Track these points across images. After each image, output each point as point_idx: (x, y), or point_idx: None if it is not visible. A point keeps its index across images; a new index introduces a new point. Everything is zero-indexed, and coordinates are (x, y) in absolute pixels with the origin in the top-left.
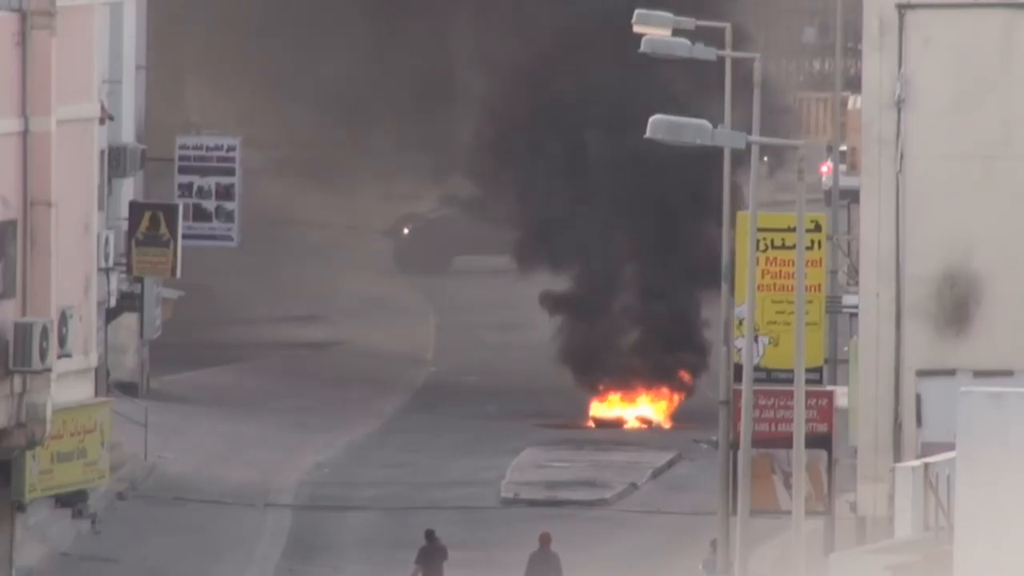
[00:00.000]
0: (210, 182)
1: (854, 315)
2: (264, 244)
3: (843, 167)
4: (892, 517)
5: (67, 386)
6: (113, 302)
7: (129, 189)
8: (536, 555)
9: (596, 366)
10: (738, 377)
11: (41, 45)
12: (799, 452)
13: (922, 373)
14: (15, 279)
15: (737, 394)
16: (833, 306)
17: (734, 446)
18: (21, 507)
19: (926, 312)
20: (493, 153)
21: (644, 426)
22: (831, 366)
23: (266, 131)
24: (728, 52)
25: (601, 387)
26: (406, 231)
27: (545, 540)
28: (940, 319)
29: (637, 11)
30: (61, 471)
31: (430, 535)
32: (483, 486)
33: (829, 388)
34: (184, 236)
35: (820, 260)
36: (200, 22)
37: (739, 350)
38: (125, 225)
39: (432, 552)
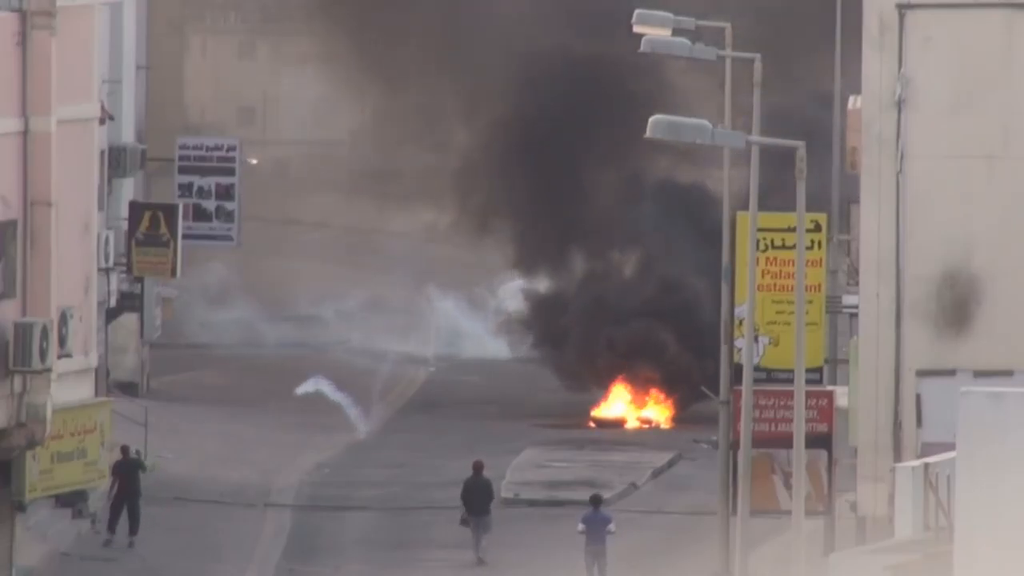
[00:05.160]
0: (210, 182)
1: (854, 315)
2: (264, 243)
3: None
4: (892, 517)
5: (67, 386)
6: (113, 302)
7: (129, 189)
8: (471, 480)
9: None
10: (738, 377)
11: (41, 45)
12: (799, 452)
13: (922, 373)
14: (15, 279)
15: (737, 394)
16: (833, 306)
17: (734, 446)
18: (21, 507)
19: (926, 312)
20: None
21: (644, 426)
22: (831, 366)
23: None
24: (728, 52)
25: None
26: None
27: (478, 467)
28: (940, 319)
29: (637, 11)
30: (61, 471)
31: (125, 450)
32: None
33: (829, 388)
34: (184, 236)
35: (820, 260)
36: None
37: (739, 350)
38: (125, 225)
39: (128, 464)
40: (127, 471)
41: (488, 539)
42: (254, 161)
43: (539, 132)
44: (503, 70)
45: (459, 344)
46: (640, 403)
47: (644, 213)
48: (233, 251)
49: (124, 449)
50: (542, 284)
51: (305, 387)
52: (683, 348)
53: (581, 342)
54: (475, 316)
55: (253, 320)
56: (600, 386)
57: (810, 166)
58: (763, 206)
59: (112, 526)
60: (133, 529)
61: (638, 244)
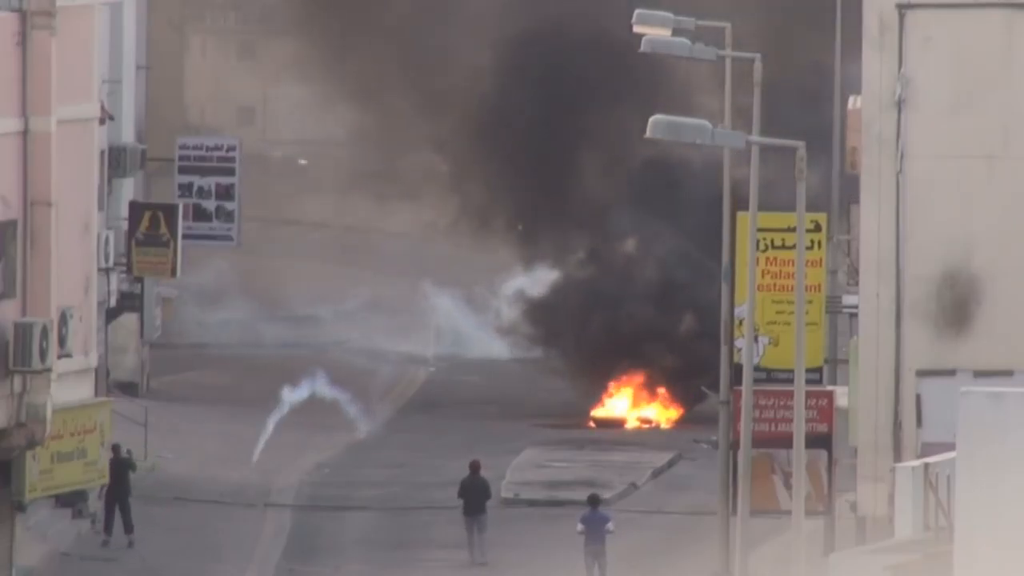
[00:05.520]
0: (210, 182)
1: (854, 315)
2: (264, 243)
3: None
4: (892, 517)
5: (67, 386)
6: (113, 302)
7: (129, 189)
8: (468, 480)
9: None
10: (738, 377)
11: (41, 45)
12: (799, 452)
13: (922, 373)
14: (15, 279)
15: (737, 394)
16: (833, 306)
17: (734, 446)
18: (21, 507)
19: (926, 312)
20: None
21: (644, 426)
22: (831, 366)
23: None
24: (728, 52)
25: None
26: None
27: (475, 466)
28: (940, 319)
29: (637, 11)
30: (61, 471)
31: (116, 449)
32: None
33: (829, 388)
34: (184, 236)
35: (820, 260)
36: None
37: (739, 350)
38: (125, 225)
39: (118, 464)
40: (117, 470)
41: (485, 539)
42: (303, 162)
43: (536, 122)
44: (497, 59)
45: (459, 344)
46: (648, 396)
47: (642, 198)
48: (233, 251)
49: (115, 448)
50: (544, 278)
51: (295, 395)
52: (688, 337)
53: (582, 335)
54: (475, 315)
55: (253, 320)
56: (603, 381)
57: (810, 162)
58: (762, 201)
59: (108, 527)
60: (127, 528)
61: (638, 233)
